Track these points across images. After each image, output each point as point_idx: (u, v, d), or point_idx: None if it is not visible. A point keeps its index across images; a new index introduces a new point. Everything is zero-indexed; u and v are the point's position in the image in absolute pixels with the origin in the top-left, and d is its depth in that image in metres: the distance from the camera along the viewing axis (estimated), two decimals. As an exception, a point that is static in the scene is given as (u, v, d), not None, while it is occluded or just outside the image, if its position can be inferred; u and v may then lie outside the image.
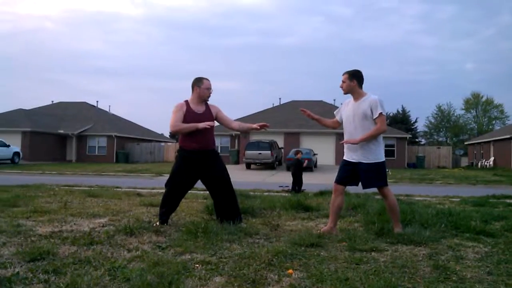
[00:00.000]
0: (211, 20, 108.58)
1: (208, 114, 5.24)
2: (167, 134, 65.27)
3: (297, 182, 12.05)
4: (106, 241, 4.17)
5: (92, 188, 10.27)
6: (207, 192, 10.01)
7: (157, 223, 5.03)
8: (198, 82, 5.16)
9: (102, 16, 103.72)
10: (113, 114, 48.08)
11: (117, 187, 10.85)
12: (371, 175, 4.69)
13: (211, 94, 5.27)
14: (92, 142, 38.94)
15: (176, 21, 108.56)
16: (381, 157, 4.74)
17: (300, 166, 12.42)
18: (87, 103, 46.70)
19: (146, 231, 4.58)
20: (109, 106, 50.33)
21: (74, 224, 5.11)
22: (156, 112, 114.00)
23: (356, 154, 4.74)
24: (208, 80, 5.24)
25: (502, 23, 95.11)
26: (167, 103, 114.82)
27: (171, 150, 40.20)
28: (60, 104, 45.69)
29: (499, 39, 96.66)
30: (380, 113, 4.61)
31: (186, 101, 5.17)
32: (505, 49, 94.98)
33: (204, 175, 5.17)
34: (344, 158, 4.92)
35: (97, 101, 48.48)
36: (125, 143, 39.81)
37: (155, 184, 13.59)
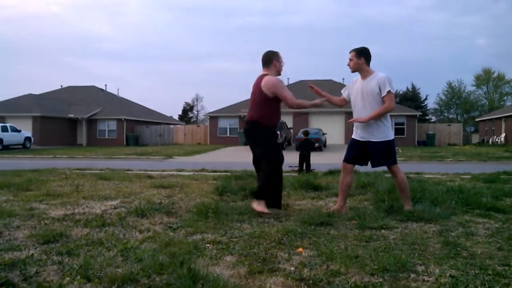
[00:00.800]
0: (217, 1, 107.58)
1: None
2: (176, 117, 65.48)
3: (306, 162, 12.04)
4: (118, 222, 4.22)
5: (103, 171, 10.36)
6: (217, 173, 10.11)
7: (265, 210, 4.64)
8: (276, 56, 4.96)
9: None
10: (122, 98, 48.20)
11: (128, 170, 10.94)
12: (380, 153, 4.67)
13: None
14: (102, 126, 39.17)
15: (181, 2, 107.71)
16: (390, 135, 4.72)
17: (308, 146, 12.36)
18: (96, 87, 46.81)
19: (157, 212, 4.63)
20: (118, 89, 50.58)
21: (86, 206, 5.17)
22: (165, 95, 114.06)
23: (365, 132, 4.72)
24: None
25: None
26: (174, 85, 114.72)
27: (180, 132, 40.31)
28: (69, 88, 45.85)
29: (510, 13, 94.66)
30: (389, 91, 4.57)
31: (267, 75, 4.91)
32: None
33: None
34: (353, 137, 4.90)
35: (106, 85, 48.59)
36: (135, 126, 39.99)
37: (166, 166, 13.68)
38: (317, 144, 12.79)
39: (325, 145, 29.39)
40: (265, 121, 4.89)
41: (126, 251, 3.22)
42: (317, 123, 33.58)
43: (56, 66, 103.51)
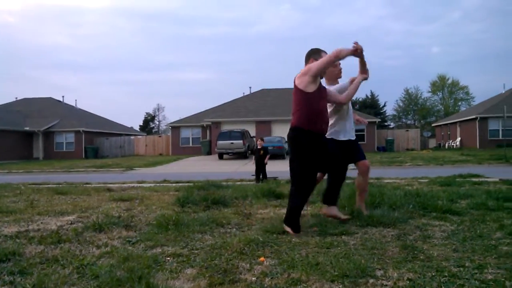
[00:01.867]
0: (180, 11, 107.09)
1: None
2: (136, 127, 64.44)
3: (260, 170, 12.03)
4: (74, 238, 4.09)
5: (60, 185, 10.04)
6: (179, 184, 9.98)
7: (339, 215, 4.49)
8: (317, 55, 4.37)
9: (66, 9, 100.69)
10: (80, 109, 47.03)
11: (86, 183, 10.64)
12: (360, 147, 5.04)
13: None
14: (59, 138, 38.02)
15: (142, 11, 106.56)
16: None
17: (258, 154, 12.28)
18: (53, 99, 45.46)
19: (115, 226, 4.51)
20: (76, 100, 49.26)
21: (41, 223, 4.99)
22: (125, 105, 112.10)
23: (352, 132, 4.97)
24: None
25: (467, 6, 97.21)
26: (135, 95, 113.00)
27: (141, 143, 39.72)
28: (25, 100, 44.28)
29: (464, 22, 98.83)
30: None
31: None
32: (470, 32, 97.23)
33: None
34: (344, 138, 4.85)
35: (63, 96, 47.39)
36: (94, 138, 39.04)
37: (126, 178, 13.41)
38: (268, 156, 12.39)
39: (287, 153, 29.62)
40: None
41: (82, 267, 3.11)
42: (280, 131, 33.77)
43: (10, 77, 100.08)
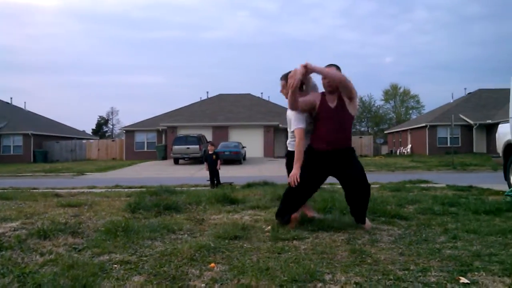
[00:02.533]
0: (133, 13, 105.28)
1: (338, 110, 4.47)
2: (89, 131, 62.72)
3: (214, 175, 12.04)
4: (16, 245, 3.90)
5: (6, 191, 9.60)
6: (132, 189, 9.78)
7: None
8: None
9: (15, 8, 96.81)
10: (29, 111, 45.28)
11: (34, 188, 10.23)
12: None
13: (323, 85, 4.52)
14: (6, 142, 36.46)
15: (94, 13, 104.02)
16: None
17: (211, 159, 12.26)
18: (1, 100, 43.59)
19: (62, 233, 4.33)
20: (25, 102, 47.21)
21: (-18, 230, 4.73)
22: (77, 108, 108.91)
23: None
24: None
25: (417, 19, 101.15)
26: (88, 98, 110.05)
27: (94, 147, 38.67)
28: (-31, 102, 42.29)
29: (414, 34, 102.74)
30: None
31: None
32: (420, 43, 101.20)
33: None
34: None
35: (11, 98, 45.38)
36: (43, 142, 37.68)
37: (76, 183, 13.00)
38: (220, 161, 12.49)
39: (244, 158, 29.67)
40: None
41: (24, 276, 2.97)
42: (236, 137, 33.82)
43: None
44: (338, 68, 4.48)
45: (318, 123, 4.43)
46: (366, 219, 4.47)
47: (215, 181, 11.89)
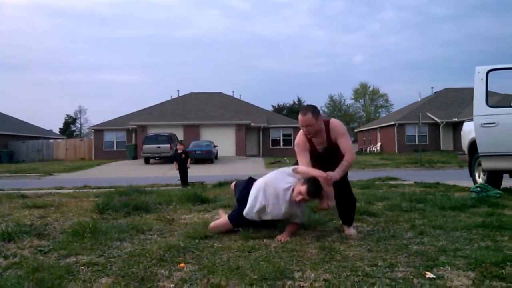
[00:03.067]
0: (102, 10, 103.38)
1: (327, 148, 4.25)
2: (56, 130, 61.28)
3: (184, 174, 12.02)
4: (-21, 249, 3.77)
5: (-32, 193, 9.27)
6: (100, 190, 9.60)
7: None
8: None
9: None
10: (-7, 110, 43.90)
11: (-2, 190, 9.92)
12: None
13: (309, 131, 4.11)
14: (-31, 142, 35.25)
15: (63, 9, 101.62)
16: None
17: (180, 159, 12.23)
18: (-38, 99, 42.16)
19: (26, 235, 4.21)
20: (-11, 101, 45.84)
21: None
22: (44, 107, 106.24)
23: None
24: (302, 114, 4.09)
25: (385, 19, 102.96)
26: (55, 97, 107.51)
27: (61, 147, 37.83)
28: None
29: (383, 34, 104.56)
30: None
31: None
32: (389, 43, 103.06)
33: None
34: None
35: (-26, 97, 43.92)
36: (9, 142, 36.61)
37: (43, 184, 12.69)
38: (189, 159, 12.58)
39: (216, 157, 29.57)
40: None
41: (-14, 280, 2.87)
42: (208, 136, 33.66)
43: None
44: (315, 110, 4.14)
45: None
46: (352, 227, 4.30)
47: (185, 180, 11.81)
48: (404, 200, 6.27)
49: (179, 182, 11.96)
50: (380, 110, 72.13)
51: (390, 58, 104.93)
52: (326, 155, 4.20)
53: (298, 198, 3.91)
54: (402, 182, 10.71)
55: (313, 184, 3.86)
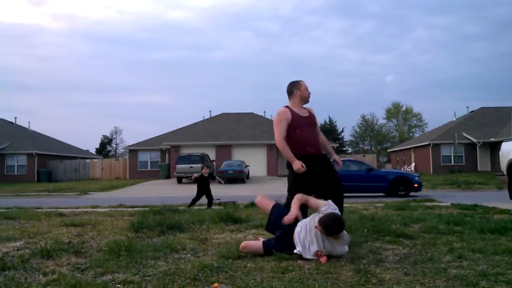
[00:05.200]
0: (138, 34, 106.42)
1: (312, 117, 4.97)
2: (92, 150, 62.85)
3: (207, 197, 11.78)
4: (20, 265, 3.88)
5: (9, 210, 9.60)
6: (135, 209, 9.76)
7: None
8: (296, 85, 4.93)
9: (22, 29, 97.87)
10: (33, 131, 45.51)
11: (37, 208, 10.23)
12: None
13: (310, 95, 5.00)
14: (10, 161, 36.59)
15: (101, 34, 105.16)
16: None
17: (204, 181, 11.94)
18: (5, 120, 43.92)
19: (65, 253, 4.33)
20: (29, 122, 47.50)
21: (-15, 249, 4.72)
22: (81, 128, 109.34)
23: None
24: (304, 81, 4.99)
25: (417, 38, 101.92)
26: (92, 118, 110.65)
27: (97, 166, 38.77)
28: (-26, 121, 42.57)
29: (415, 53, 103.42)
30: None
31: (287, 107, 4.86)
32: (420, 62, 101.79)
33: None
34: None
35: (15, 118, 45.70)
36: (47, 161, 37.79)
37: (80, 203, 12.99)
38: (214, 179, 12.75)
39: (248, 177, 29.62)
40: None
41: (26, 297, 2.96)
42: (240, 155, 33.83)
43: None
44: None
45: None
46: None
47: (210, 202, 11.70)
48: (441, 222, 6.10)
49: (217, 201, 11.99)
50: (413, 129, 70.95)
51: (423, 77, 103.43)
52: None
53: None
54: (439, 203, 10.44)
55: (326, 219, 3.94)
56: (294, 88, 4.93)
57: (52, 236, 5.49)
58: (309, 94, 4.98)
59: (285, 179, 5.10)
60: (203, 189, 11.75)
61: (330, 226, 3.89)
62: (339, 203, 4.50)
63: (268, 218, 4.62)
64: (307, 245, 4.02)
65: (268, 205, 4.66)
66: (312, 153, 4.74)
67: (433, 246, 4.54)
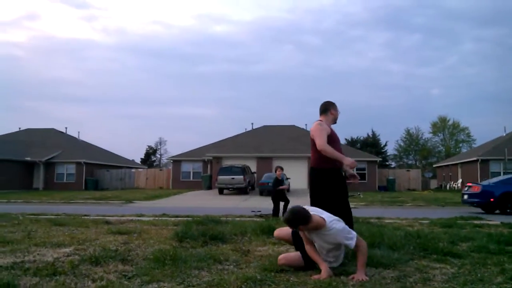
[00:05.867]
0: (184, 48, 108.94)
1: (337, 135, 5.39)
2: (138, 160, 64.42)
3: (277, 205, 11.35)
4: (70, 271, 4.04)
5: (59, 217, 9.98)
6: (178, 218, 9.92)
7: None
8: (333, 106, 5.31)
9: (74, 43, 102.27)
10: (82, 141, 47.25)
11: (85, 215, 10.57)
12: None
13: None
14: (60, 169, 38.06)
15: (148, 48, 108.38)
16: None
17: (278, 185, 11.51)
18: (56, 130, 45.81)
19: (112, 260, 4.46)
20: (78, 132, 49.18)
21: (38, 254, 4.93)
22: (127, 138, 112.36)
23: None
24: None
25: (464, 51, 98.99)
26: (138, 129, 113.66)
27: (142, 176, 39.69)
28: (28, 131, 44.62)
29: (462, 66, 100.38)
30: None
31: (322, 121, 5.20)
32: (468, 75, 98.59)
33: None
34: None
35: (66, 128, 47.59)
36: (94, 170, 39.06)
37: (125, 211, 13.33)
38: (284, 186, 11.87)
39: (288, 190, 29.47)
40: (320, 166, 5.00)
41: (77, 301, 3.06)
42: (280, 168, 33.72)
43: (15, 109, 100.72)
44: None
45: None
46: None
47: (274, 210, 11.31)
48: (491, 242, 5.84)
49: (252, 213, 12.00)
50: (461, 144, 68.51)
51: (470, 91, 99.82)
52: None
53: None
54: (487, 222, 10.01)
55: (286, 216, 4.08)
56: (331, 108, 5.26)
57: (100, 243, 5.66)
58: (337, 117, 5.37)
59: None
60: (278, 195, 11.42)
61: (290, 220, 4.00)
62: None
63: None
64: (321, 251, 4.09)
65: (296, 253, 4.52)
66: (339, 167, 5.03)
67: (483, 266, 4.37)
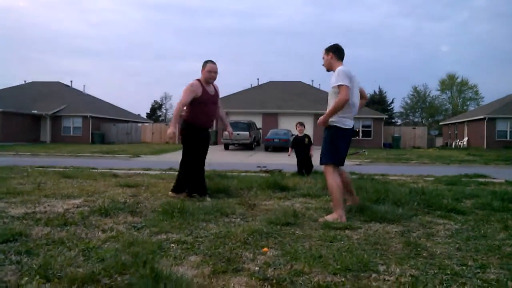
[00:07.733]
0: (190, 1, 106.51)
1: (216, 96, 5.84)
2: (144, 115, 64.51)
3: (305, 163, 9.98)
4: (80, 222, 4.13)
5: (67, 169, 10.11)
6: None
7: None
8: (203, 65, 5.62)
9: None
10: (88, 94, 47.16)
11: (93, 168, 10.70)
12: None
13: (214, 77, 5.69)
14: (66, 123, 38.19)
15: (153, 2, 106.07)
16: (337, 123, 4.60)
17: (303, 144, 10.10)
18: (61, 83, 45.64)
19: (121, 211, 4.55)
20: (84, 86, 49.03)
21: (48, 205, 5.04)
22: (133, 93, 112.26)
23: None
24: (214, 63, 5.65)
25: (475, 7, 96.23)
26: (143, 83, 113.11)
27: (148, 130, 39.83)
28: (33, 84, 44.47)
29: (472, 22, 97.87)
30: (340, 85, 4.37)
31: (199, 81, 5.62)
32: (479, 32, 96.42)
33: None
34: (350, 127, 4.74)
35: (71, 81, 47.42)
36: (101, 124, 39.20)
37: (132, 165, 13.48)
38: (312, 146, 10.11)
39: (291, 146, 29.59)
40: (190, 121, 5.65)
41: (88, 250, 3.15)
42: (286, 124, 33.74)
43: (19, 61, 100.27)
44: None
45: None
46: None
47: (304, 170, 9.82)
48: (495, 199, 5.88)
49: (258, 169, 12.09)
50: (468, 103, 67.79)
51: (480, 48, 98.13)
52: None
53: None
54: (492, 180, 10.05)
55: None
56: (202, 67, 5.65)
57: (108, 196, 5.76)
58: (212, 76, 5.68)
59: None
60: (302, 152, 10.02)
61: None
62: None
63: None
64: None
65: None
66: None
67: (487, 223, 4.43)
